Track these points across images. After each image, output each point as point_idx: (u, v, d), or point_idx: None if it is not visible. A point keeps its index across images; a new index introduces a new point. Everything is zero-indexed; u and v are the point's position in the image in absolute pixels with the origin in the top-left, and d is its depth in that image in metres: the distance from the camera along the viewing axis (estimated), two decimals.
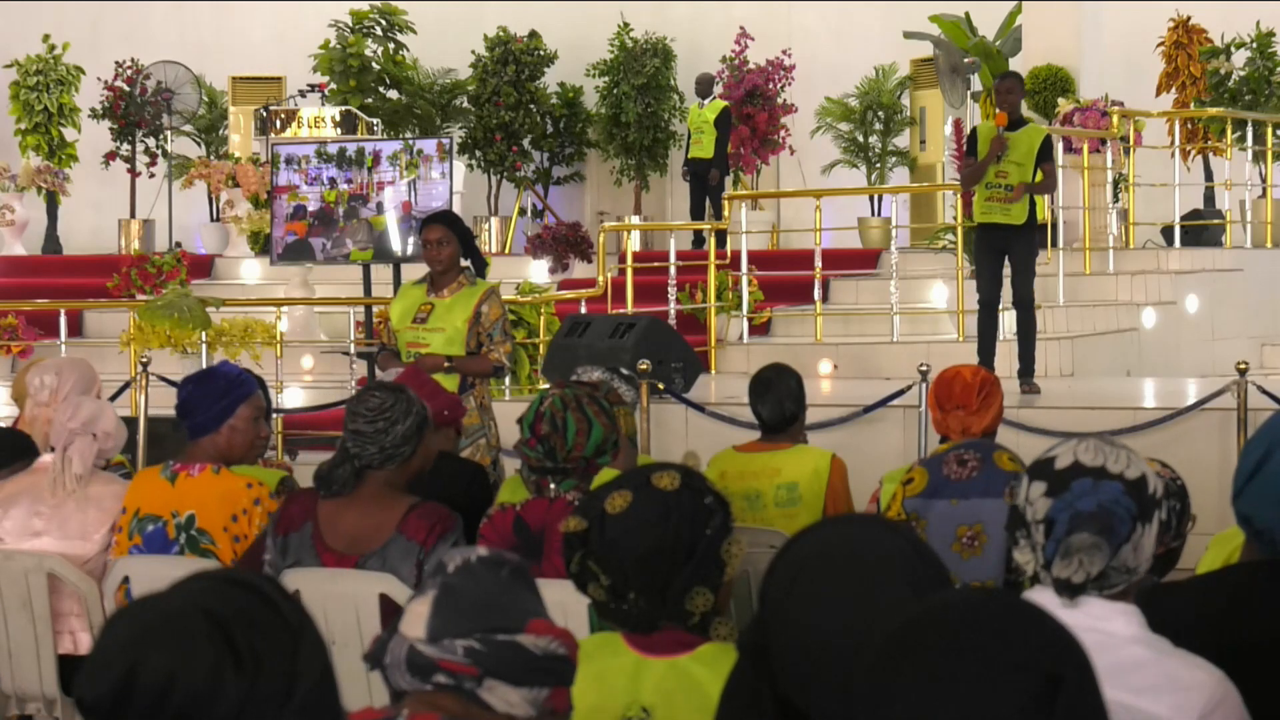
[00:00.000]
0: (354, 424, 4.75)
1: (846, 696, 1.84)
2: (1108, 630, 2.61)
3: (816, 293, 13.83)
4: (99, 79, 19.82)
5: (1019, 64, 17.66)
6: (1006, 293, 11.17)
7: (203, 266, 17.52)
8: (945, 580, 2.24)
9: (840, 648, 2.10)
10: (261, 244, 17.44)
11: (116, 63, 19.97)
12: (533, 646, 2.32)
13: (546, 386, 11.62)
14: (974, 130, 11.23)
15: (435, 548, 4.67)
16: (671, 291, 13.51)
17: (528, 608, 2.37)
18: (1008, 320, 11.68)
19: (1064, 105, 15.94)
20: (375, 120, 18.18)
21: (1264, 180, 16.25)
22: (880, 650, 1.83)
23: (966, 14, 19.04)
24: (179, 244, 18.48)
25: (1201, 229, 16.11)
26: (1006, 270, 11.04)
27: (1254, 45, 17.08)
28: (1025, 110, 16.55)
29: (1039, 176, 10.80)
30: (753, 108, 19.06)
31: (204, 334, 12.71)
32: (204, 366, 5.42)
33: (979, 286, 11.09)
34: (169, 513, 5.15)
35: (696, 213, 18.02)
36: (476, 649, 2.29)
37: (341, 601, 4.58)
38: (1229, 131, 16.14)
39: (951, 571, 5.01)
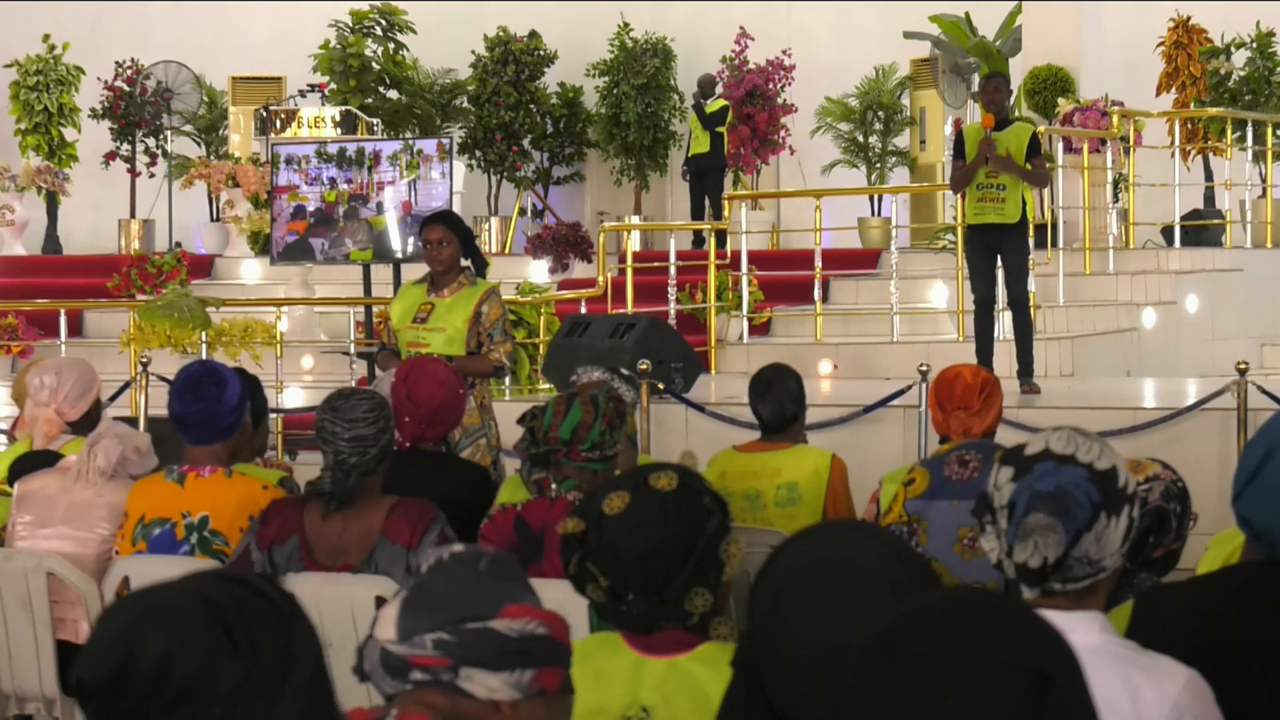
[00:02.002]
0: (353, 430, 4.67)
1: (839, 707, 1.84)
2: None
3: (816, 293, 13.83)
4: (99, 79, 19.83)
5: (1019, 64, 17.69)
6: (1003, 292, 11.16)
7: (203, 266, 17.53)
8: (930, 581, 2.23)
9: (829, 659, 2.10)
10: (261, 244, 17.44)
11: (116, 63, 19.98)
12: (506, 630, 2.29)
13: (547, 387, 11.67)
14: (960, 133, 11.19)
15: (421, 544, 4.66)
16: (671, 291, 13.50)
17: (505, 596, 2.33)
18: (1005, 320, 11.67)
19: (1064, 105, 15.95)
20: (375, 120, 18.18)
21: (1264, 180, 16.25)
22: (869, 651, 1.83)
23: (966, 14, 19.05)
24: (179, 244, 18.48)
25: (1201, 229, 16.11)
26: (1000, 269, 11.05)
27: (1254, 45, 17.09)
28: (1025, 110, 16.62)
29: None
30: (753, 108, 19.07)
31: (204, 334, 12.71)
32: (186, 375, 5.28)
33: (974, 287, 11.07)
34: (179, 514, 5.13)
35: (696, 213, 18.04)
36: (445, 640, 2.28)
37: (336, 605, 4.58)
38: (1229, 131, 16.14)
39: (953, 573, 5.02)
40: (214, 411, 5.15)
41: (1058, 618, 2.50)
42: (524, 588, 2.38)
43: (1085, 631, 2.60)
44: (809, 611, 2.17)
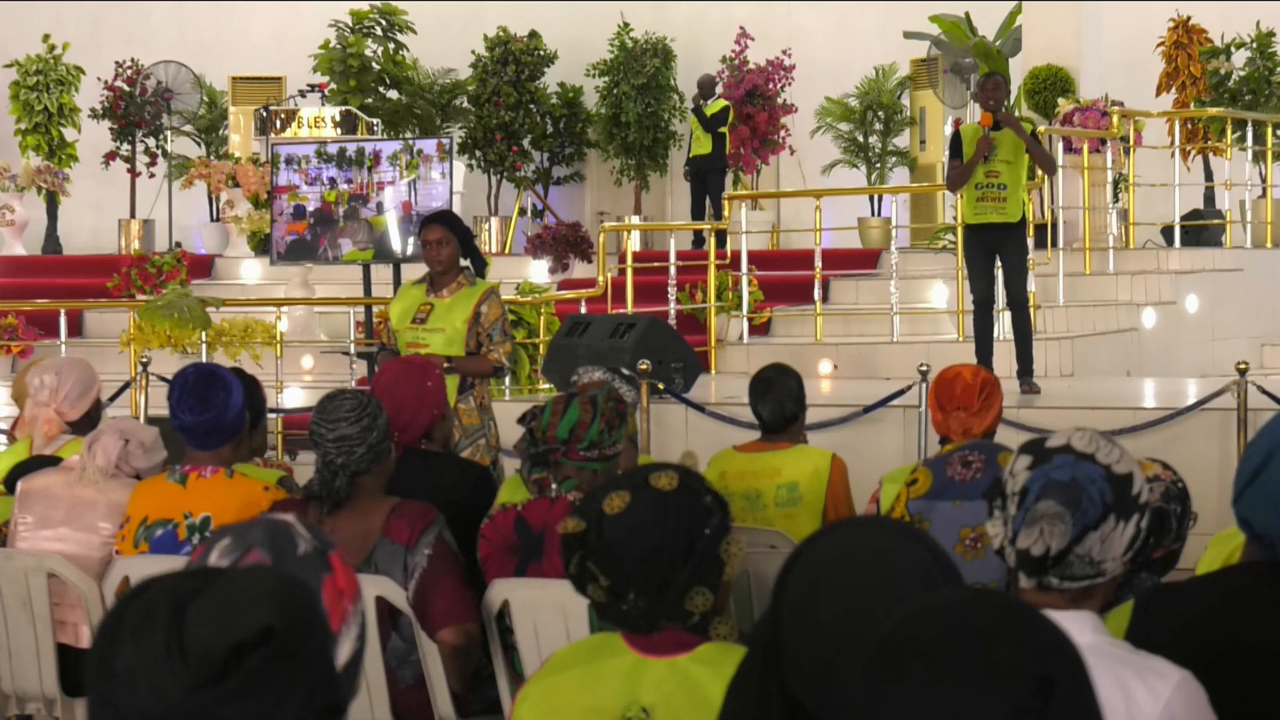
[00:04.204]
0: (336, 430, 4.65)
1: (847, 704, 1.84)
2: None
3: (816, 293, 13.84)
4: (99, 79, 19.84)
5: (1019, 64, 17.68)
6: (1002, 292, 11.17)
7: (203, 266, 17.53)
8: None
9: (856, 653, 2.09)
10: (261, 244, 17.44)
11: (116, 63, 19.99)
12: (349, 650, 2.03)
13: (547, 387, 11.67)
14: (957, 133, 11.21)
15: (418, 544, 4.66)
16: (671, 291, 13.51)
17: (314, 594, 1.99)
18: (1005, 320, 11.68)
19: (1064, 105, 15.95)
20: (375, 120, 18.18)
21: (1264, 180, 16.25)
22: (873, 652, 1.82)
23: (966, 14, 19.06)
24: (179, 244, 18.50)
25: (1201, 229, 16.11)
26: (999, 269, 11.06)
27: (1254, 45, 17.09)
28: (1025, 110, 16.62)
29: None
30: (753, 108, 19.07)
31: (204, 334, 12.71)
32: (188, 383, 5.24)
33: (973, 287, 11.09)
34: (181, 514, 5.13)
35: (696, 213, 18.04)
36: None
37: None
38: (1229, 131, 16.15)
39: None
40: (222, 418, 5.16)
41: (1050, 616, 2.51)
42: (300, 557, 2.05)
43: (1078, 631, 2.59)
44: (844, 604, 2.17)
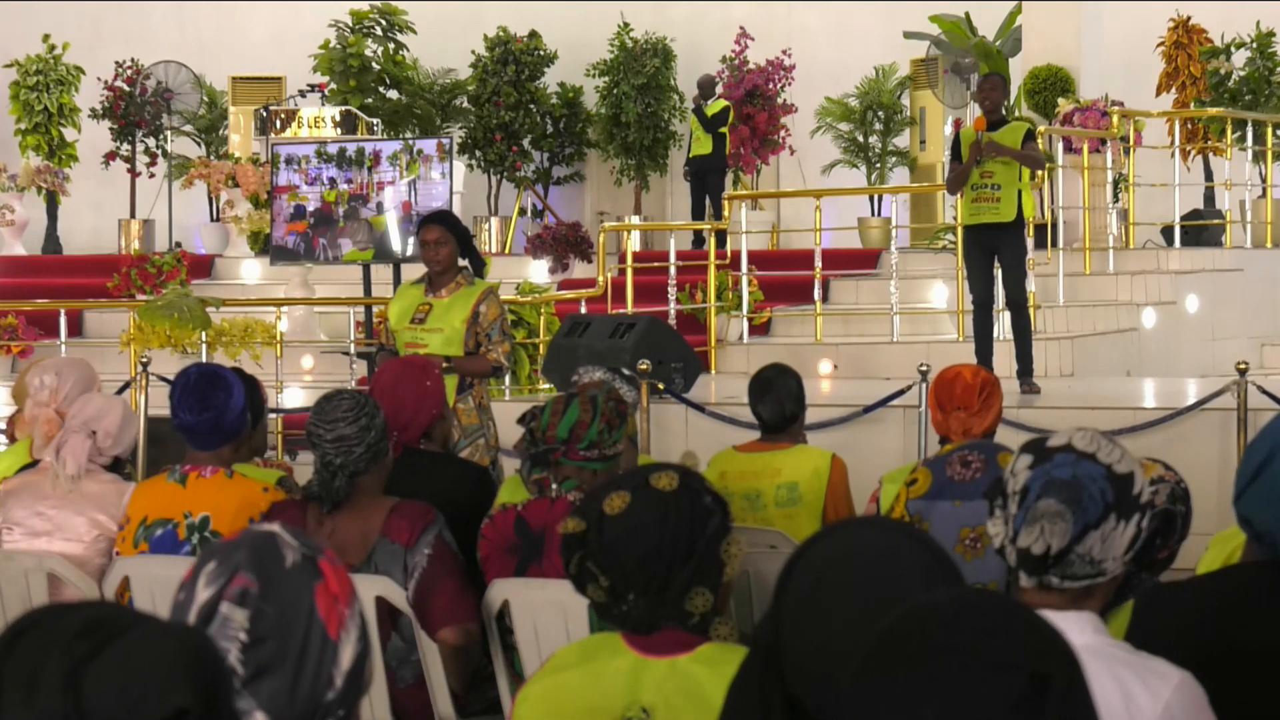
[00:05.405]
0: (334, 430, 4.65)
1: (844, 703, 1.84)
2: None
3: (816, 293, 13.84)
4: (99, 79, 19.84)
5: (1019, 64, 17.68)
6: (1001, 292, 11.17)
7: (203, 266, 17.54)
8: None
9: (857, 654, 2.09)
10: (261, 244, 17.44)
11: (116, 63, 19.99)
12: (351, 658, 2.00)
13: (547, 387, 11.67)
14: (957, 135, 11.23)
15: (418, 544, 4.66)
16: (671, 291, 13.51)
17: (308, 605, 1.97)
18: (1005, 320, 11.68)
19: (1064, 105, 15.94)
20: (375, 120, 18.19)
21: (1264, 180, 16.25)
22: (868, 650, 1.82)
23: (966, 14, 19.06)
24: (179, 244, 18.50)
25: (1201, 229, 16.11)
26: (998, 269, 11.06)
27: (1254, 45, 17.08)
28: (1025, 110, 16.62)
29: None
30: (753, 108, 19.07)
31: (204, 334, 12.71)
32: (189, 382, 5.24)
33: (972, 288, 11.10)
34: (181, 514, 5.13)
35: (696, 213, 18.05)
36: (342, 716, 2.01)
37: None
38: (1229, 131, 16.14)
39: None
40: (223, 419, 5.16)
41: (1050, 616, 2.51)
42: (289, 570, 2.00)
43: (1077, 631, 2.59)
44: (845, 605, 2.16)
